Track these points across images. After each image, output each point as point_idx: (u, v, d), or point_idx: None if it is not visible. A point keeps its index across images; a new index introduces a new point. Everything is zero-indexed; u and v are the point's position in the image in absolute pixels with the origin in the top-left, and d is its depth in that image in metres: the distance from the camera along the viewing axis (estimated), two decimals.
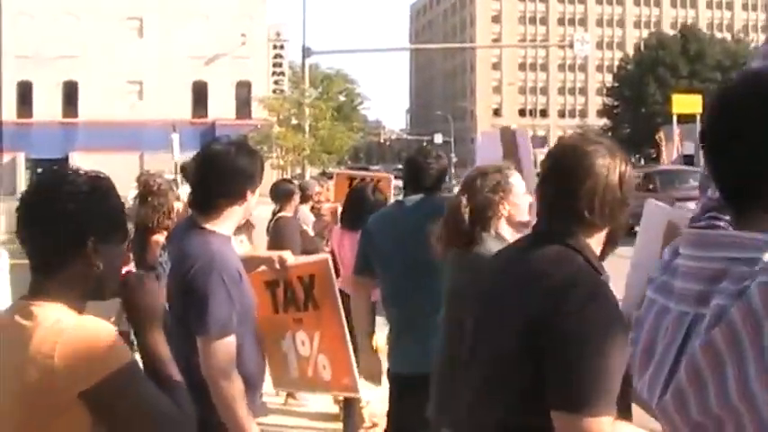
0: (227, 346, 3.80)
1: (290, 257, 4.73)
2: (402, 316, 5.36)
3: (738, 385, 1.68)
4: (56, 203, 2.49)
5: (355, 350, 7.24)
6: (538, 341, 2.64)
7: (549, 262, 2.79)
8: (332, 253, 8.31)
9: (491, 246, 4.19)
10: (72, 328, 2.37)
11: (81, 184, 2.54)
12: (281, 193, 9.96)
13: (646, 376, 1.93)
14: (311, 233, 10.18)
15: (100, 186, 2.59)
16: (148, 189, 8.33)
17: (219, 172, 3.98)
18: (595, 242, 2.87)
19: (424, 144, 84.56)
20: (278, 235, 9.35)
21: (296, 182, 12.49)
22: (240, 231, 6.03)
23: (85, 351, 2.32)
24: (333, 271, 4.81)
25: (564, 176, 2.84)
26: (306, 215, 10.91)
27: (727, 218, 1.98)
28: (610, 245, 2.90)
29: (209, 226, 3.95)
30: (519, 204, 4.45)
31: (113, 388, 2.30)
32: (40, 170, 67.66)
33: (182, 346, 3.54)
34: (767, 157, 1.79)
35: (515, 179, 4.49)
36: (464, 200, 4.32)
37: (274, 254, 4.80)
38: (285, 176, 55.82)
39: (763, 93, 1.86)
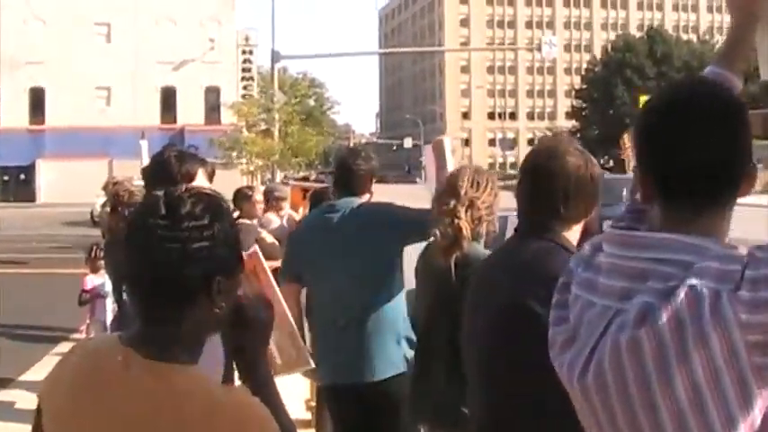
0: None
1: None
2: (330, 326, 5.17)
3: (661, 386, 1.78)
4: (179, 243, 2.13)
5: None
6: (526, 325, 2.82)
7: (534, 256, 3.00)
8: None
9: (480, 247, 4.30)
10: (233, 403, 2.08)
11: (200, 210, 2.16)
12: (241, 199, 10.03)
13: (566, 356, 2.01)
14: (270, 239, 10.17)
15: (222, 210, 2.24)
16: (118, 199, 8.31)
17: (159, 168, 4.06)
18: (572, 235, 3.10)
19: (394, 148, 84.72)
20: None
21: (262, 187, 12.48)
22: None
23: (249, 426, 2.07)
24: (263, 260, 4.83)
25: (539, 177, 3.09)
26: (270, 221, 10.95)
27: (646, 225, 2.07)
28: (587, 236, 3.04)
29: None
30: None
31: None
32: (6, 177, 67.42)
33: None
34: (712, 157, 1.88)
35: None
36: (454, 202, 4.26)
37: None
38: (255, 181, 55.79)
39: (715, 93, 1.97)
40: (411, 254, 5.10)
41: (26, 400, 9.49)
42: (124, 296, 4.11)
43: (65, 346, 11.73)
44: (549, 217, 3.06)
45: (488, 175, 4.40)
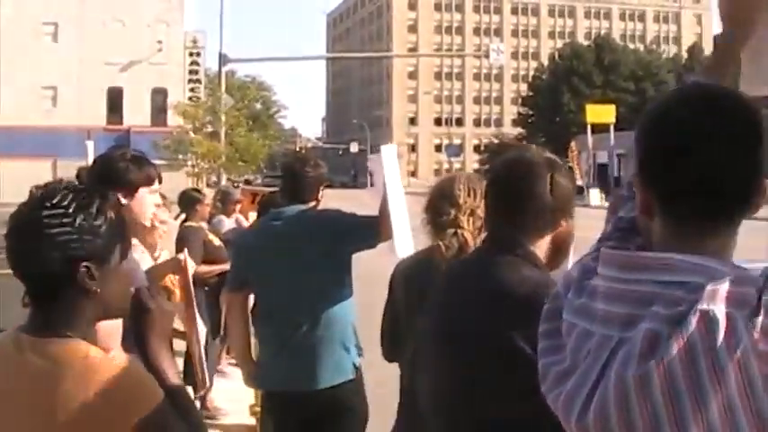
0: None
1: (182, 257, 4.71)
2: (278, 333, 5.14)
3: (672, 427, 1.61)
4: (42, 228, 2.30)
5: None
6: (505, 347, 2.74)
7: (510, 275, 2.87)
8: None
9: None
10: (106, 365, 2.24)
11: (67, 201, 2.32)
12: (187, 202, 9.89)
13: (562, 391, 1.83)
14: (218, 242, 10.13)
15: (90, 201, 2.38)
16: None
17: (100, 170, 4.07)
18: (540, 248, 2.99)
19: (340, 153, 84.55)
20: (180, 244, 9.22)
21: (206, 190, 12.41)
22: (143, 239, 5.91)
23: (126, 386, 2.22)
24: (188, 269, 4.81)
25: (509, 188, 2.99)
26: (222, 222, 10.93)
27: (638, 241, 1.91)
28: (559, 251, 3.03)
29: None
30: None
31: (157, 421, 2.22)
32: None
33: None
34: (726, 174, 1.74)
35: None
36: (452, 210, 4.14)
37: (176, 257, 4.77)
38: (200, 184, 55.30)
39: (731, 106, 1.80)
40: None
41: None
42: None
43: None
44: (516, 231, 2.95)
45: (480, 182, 4.21)
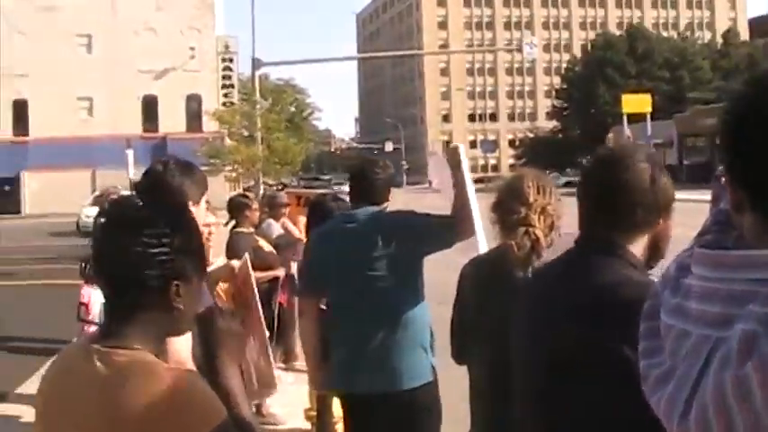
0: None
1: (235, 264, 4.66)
2: (358, 335, 5.08)
3: None
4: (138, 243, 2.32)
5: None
6: (606, 353, 2.62)
7: (610, 276, 2.74)
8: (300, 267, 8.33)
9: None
10: (171, 378, 2.23)
11: (165, 220, 2.36)
12: (236, 208, 9.84)
13: (664, 393, 1.76)
14: (268, 248, 10.07)
15: (181, 220, 2.43)
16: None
17: (158, 186, 3.98)
18: (637, 247, 2.86)
19: (375, 152, 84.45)
20: (231, 251, 9.17)
21: (251, 194, 12.34)
22: None
23: (191, 402, 2.22)
24: (251, 271, 4.71)
25: (606, 184, 2.84)
26: (272, 226, 10.86)
27: (736, 234, 1.79)
28: (656, 251, 2.91)
29: None
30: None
31: None
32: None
33: None
34: None
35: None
36: (523, 209, 4.07)
37: (228, 264, 4.71)
38: (239, 189, 55.39)
39: None
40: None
41: (22, 414, 9.45)
42: None
43: None
44: (617, 231, 2.82)
45: (548, 179, 4.25)
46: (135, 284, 2.30)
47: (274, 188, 36.43)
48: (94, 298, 9.36)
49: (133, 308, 2.32)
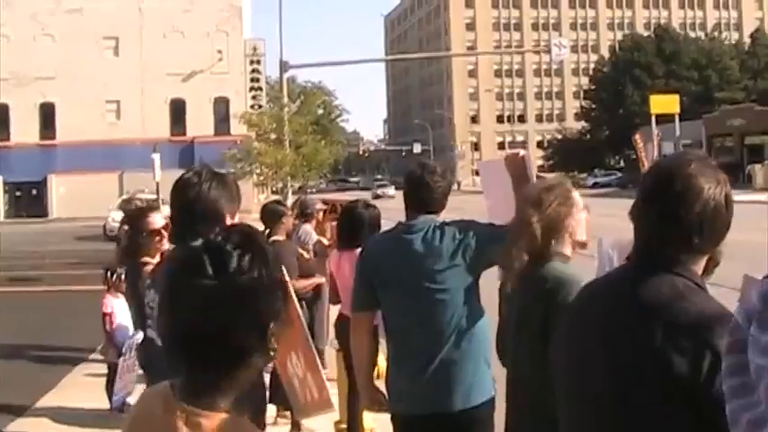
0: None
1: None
2: (420, 352, 4.86)
3: None
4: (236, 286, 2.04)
5: (352, 385, 7.02)
6: (683, 385, 2.40)
7: (671, 295, 2.53)
8: (331, 276, 8.15)
9: (557, 266, 4.00)
10: None
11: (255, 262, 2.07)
12: (271, 216, 9.42)
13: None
14: (309, 255, 9.90)
15: (266, 255, 2.14)
16: (130, 219, 8.08)
17: (195, 201, 3.79)
18: (700, 269, 2.68)
19: (403, 154, 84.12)
20: (274, 261, 8.86)
21: (272, 198, 12.12)
22: None
23: None
24: (290, 285, 4.60)
25: (671, 200, 2.61)
26: (309, 234, 10.61)
27: None
28: (711, 265, 2.72)
29: None
30: (581, 221, 4.17)
31: None
32: (18, 193, 67.56)
33: None
34: None
35: (576, 194, 4.21)
36: (535, 215, 4.00)
37: None
38: (264, 196, 55.17)
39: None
40: None
41: (42, 428, 9.32)
42: (149, 332, 3.90)
43: (82, 369, 11.57)
44: (680, 249, 2.60)
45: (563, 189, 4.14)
46: (230, 341, 2.04)
47: (307, 192, 36.26)
48: (118, 308, 9.08)
49: (225, 365, 2.08)
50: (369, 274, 5.11)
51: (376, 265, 5.09)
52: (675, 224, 2.60)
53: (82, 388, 10.55)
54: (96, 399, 9.34)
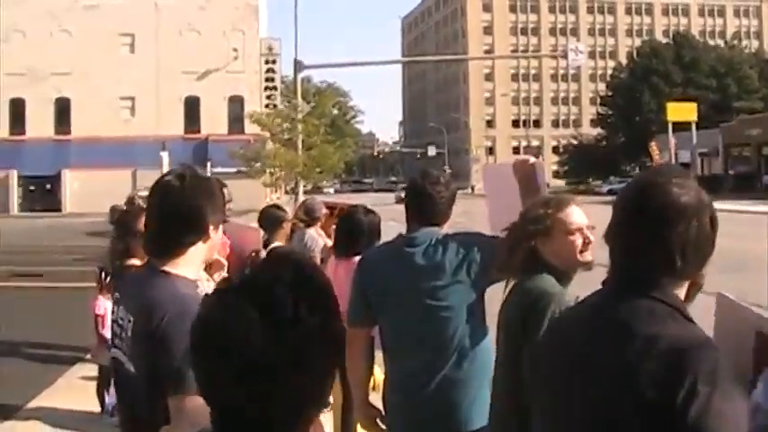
0: (204, 404, 3.15)
1: None
2: (420, 371, 4.61)
3: None
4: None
5: (346, 399, 6.79)
6: (659, 414, 2.17)
7: (648, 321, 2.29)
8: None
9: (538, 281, 3.84)
10: None
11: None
12: (270, 222, 9.10)
13: None
14: (316, 259, 9.54)
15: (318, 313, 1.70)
16: (125, 219, 7.84)
17: (177, 208, 3.35)
18: (682, 294, 2.42)
19: (418, 157, 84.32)
20: None
21: (285, 198, 11.78)
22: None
23: None
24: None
25: (652, 219, 2.38)
26: (315, 239, 10.14)
27: None
28: (690, 296, 2.47)
29: (170, 269, 3.31)
30: (571, 240, 3.97)
31: None
32: (32, 187, 67.66)
33: (150, 409, 3.06)
34: None
35: (569, 212, 4.02)
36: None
37: None
38: (277, 196, 54.90)
39: None
40: None
41: (31, 431, 9.11)
42: (116, 353, 3.51)
43: (78, 370, 11.37)
44: (662, 272, 2.36)
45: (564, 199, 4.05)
46: (279, 396, 1.65)
47: (323, 193, 35.86)
48: (111, 309, 8.85)
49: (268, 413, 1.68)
50: (366, 289, 4.84)
51: (374, 278, 4.82)
52: (657, 245, 2.37)
53: (76, 389, 10.36)
54: (90, 401, 9.18)
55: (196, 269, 3.50)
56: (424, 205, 4.73)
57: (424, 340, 4.56)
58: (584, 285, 2.88)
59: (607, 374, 2.29)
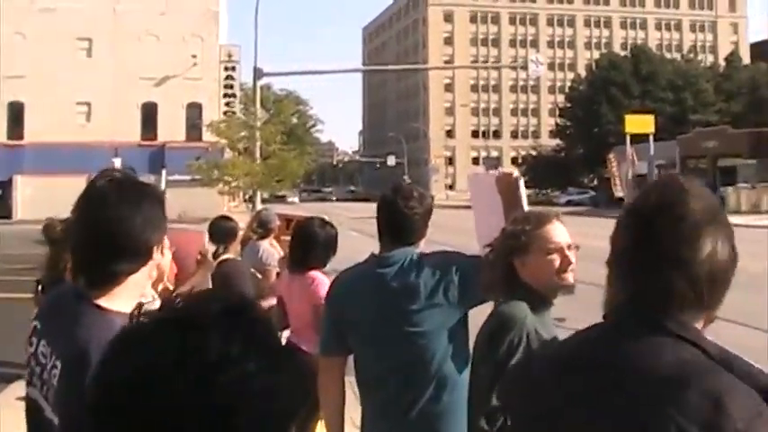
0: None
1: None
2: (396, 401, 4.27)
3: None
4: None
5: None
6: None
7: (678, 371, 1.85)
8: (279, 301, 7.38)
9: (511, 306, 3.56)
10: None
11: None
12: (221, 233, 8.66)
13: None
14: (272, 274, 9.13)
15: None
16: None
17: (111, 230, 2.70)
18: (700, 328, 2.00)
19: (377, 166, 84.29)
20: (225, 282, 7.89)
21: (243, 207, 11.37)
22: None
23: None
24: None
25: (665, 244, 1.97)
26: (270, 252, 9.71)
27: None
28: (706, 325, 2.05)
29: (105, 303, 2.68)
30: (549, 260, 3.66)
31: None
32: None
33: None
34: None
35: (549, 229, 3.71)
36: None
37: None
38: (234, 204, 54.34)
39: None
40: None
41: None
42: (33, 393, 3.00)
43: (17, 388, 10.86)
44: (682, 305, 1.94)
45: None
46: None
47: (287, 202, 35.23)
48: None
49: None
50: (337, 315, 4.48)
51: (345, 303, 4.46)
52: (680, 271, 1.93)
53: (13, 409, 9.87)
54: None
55: (134, 300, 2.63)
56: (397, 222, 4.38)
57: (398, 369, 4.24)
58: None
59: (600, 419, 1.88)
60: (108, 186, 2.78)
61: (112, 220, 2.68)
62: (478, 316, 4.00)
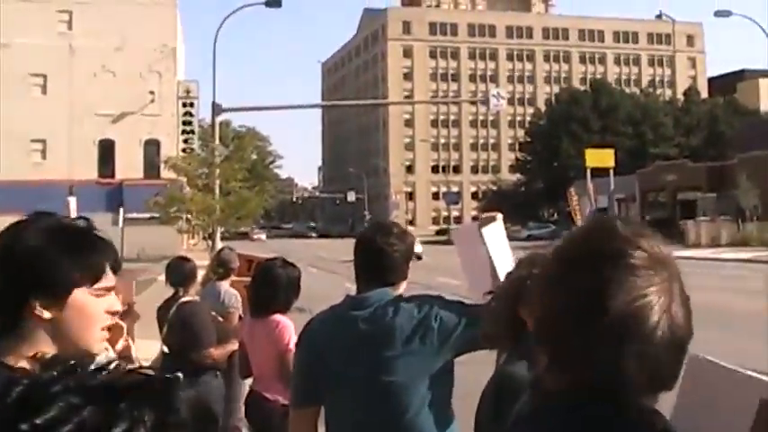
0: None
1: None
2: None
3: None
4: None
5: None
6: None
7: None
8: (241, 345, 6.86)
9: (520, 366, 3.18)
10: None
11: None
12: (180, 275, 8.14)
13: None
14: (236, 316, 8.62)
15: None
16: None
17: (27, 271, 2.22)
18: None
19: (337, 202, 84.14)
20: (186, 327, 7.61)
21: (202, 244, 10.80)
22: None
23: None
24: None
25: (593, 309, 1.52)
26: (231, 294, 9.09)
27: None
28: None
29: (12, 361, 2.16)
30: None
31: None
32: None
33: None
34: None
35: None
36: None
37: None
38: (194, 242, 53.54)
39: None
40: None
41: None
42: None
43: None
44: (627, 372, 1.53)
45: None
46: None
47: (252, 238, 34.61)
48: None
49: None
50: (309, 363, 4.08)
51: (316, 350, 4.06)
52: (602, 344, 1.52)
53: None
54: None
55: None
56: (375, 261, 4.02)
57: (368, 423, 3.85)
58: None
59: None
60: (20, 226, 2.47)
61: (20, 256, 2.28)
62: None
